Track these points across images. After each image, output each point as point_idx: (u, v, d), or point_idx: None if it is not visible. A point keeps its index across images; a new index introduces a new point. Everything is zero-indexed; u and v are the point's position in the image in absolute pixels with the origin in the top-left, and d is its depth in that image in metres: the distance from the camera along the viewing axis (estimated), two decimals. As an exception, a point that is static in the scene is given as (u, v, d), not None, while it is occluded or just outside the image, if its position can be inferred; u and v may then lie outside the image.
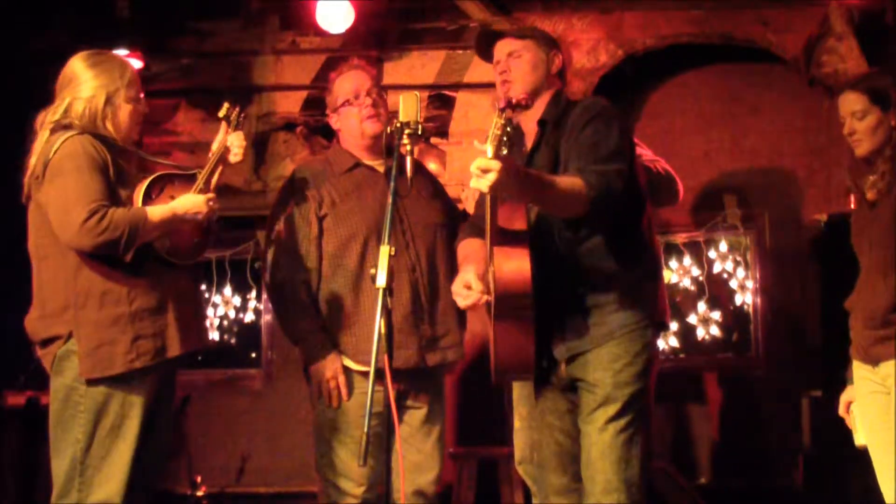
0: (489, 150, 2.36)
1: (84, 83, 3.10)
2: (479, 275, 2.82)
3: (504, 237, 2.73)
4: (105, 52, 3.22)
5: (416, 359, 3.32)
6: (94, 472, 3.03)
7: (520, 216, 2.77)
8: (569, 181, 2.69)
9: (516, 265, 2.70)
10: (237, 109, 3.27)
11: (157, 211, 3.03)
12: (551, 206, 2.80)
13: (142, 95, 3.19)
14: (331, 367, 3.33)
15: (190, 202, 3.08)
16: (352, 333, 3.35)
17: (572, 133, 2.87)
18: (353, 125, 3.45)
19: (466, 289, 2.79)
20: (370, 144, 3.45)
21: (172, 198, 3.11)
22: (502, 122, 2.37)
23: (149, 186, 3.10)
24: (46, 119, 3.10)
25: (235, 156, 3.24)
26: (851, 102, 3.02)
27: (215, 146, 3.24)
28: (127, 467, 3.03)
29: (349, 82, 3.47)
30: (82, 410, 3.03)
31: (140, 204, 3.06)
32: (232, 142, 3.22)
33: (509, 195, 2.67)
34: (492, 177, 2.38)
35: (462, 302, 2.82)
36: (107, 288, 3.03)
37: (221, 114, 3.26)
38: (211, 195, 3.13)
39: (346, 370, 3.34)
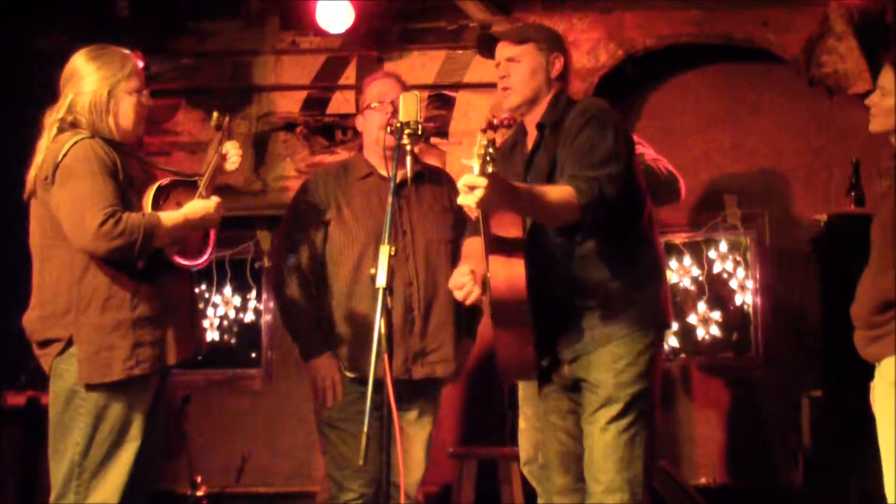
0: (475, 167, 2.39)
1: (86, 77, 3.07)
2: (477, 274, 2.83)
3: (499, 245, 2.75)
4: (106, 46, 3.18)
5: (400, 370, 3.33)
6: (92, 476, 3.01)
7: (515, 224, 2.79)
8: (559, 191, 2.71)
9: (511, 273, 2.73)
10: (227, 117, 3.27)
11: (170, 217, 3.02)
12: (542, 217, 2.82)
13: (144, 90, 3.16)
14: (325, 365, 3.37)
15: (201, 208, 3.08)
16: (344, 341, 3.40)
17: (568, 137, 2.88)
18: (372, 130, 3.52)
19: (458, 289, 2.83)
20: (385, 153, 3.47)
21: (179, 204, 3.10)
22: (485, 141, 2.40)
23: (156, 193, 3.09)
24: (52, 117, 3.07)
25: (233, 164, 3.25)
26: (883, 77, 3.02)
27: (212, 158, 3.22)
28: (126, 471, 3.03)
29: (378, 88, 3.54)
30: (83, 414, 3.01)
31: (150, 210, 3.04)
32: (228, 150, 3.23)
33: (499, 208, 2.69)
34: (479, 193, 2.41)
35: (459, 295, 2.84)
36: (111, 293, 3.01)
37: (214, 123, 3.25)
38: (218, 200, 3.14)
39: (341, 371, 3.40)
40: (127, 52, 3.19)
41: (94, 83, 3.06)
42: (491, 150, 2.39)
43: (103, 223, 2.88)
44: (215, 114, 3.27)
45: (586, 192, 2.70)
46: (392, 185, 2.73)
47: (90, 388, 2.99)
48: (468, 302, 2.86)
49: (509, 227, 2.77)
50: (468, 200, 2.44)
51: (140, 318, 3.02)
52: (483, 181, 2.39)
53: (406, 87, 3.57)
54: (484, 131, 2.49)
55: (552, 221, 2.84)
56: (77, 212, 2.93)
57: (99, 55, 3.11)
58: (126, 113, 3.10)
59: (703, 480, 5.44)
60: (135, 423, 3.04)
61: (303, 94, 5.67)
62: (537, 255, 2.83)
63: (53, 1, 5.35)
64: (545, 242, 2.90)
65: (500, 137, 3.10)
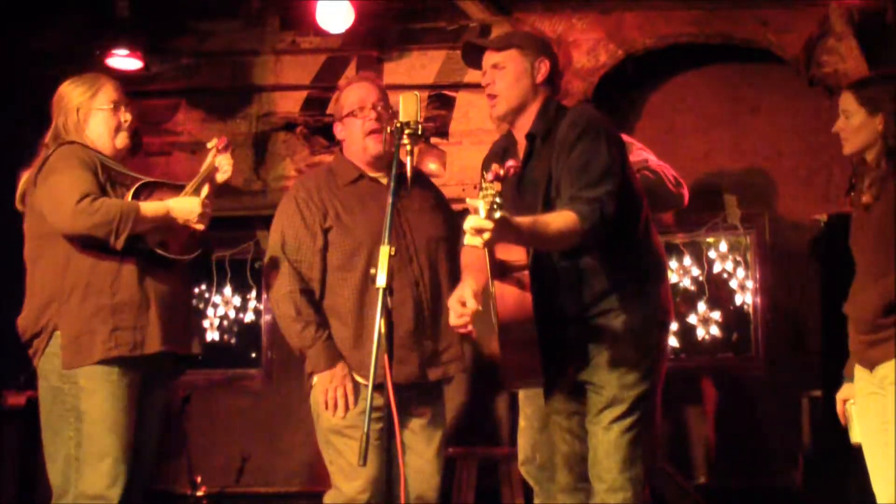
0: (482, 210, 2.41)
1: (63, 101, 3.28)
2: (477, 290, 2.80)
3: (504, 270, 2.77)
4: (87, 73, 3.39)
5: (417, 374, 3.31)
6: (86, 468, 3.07)
7: (519, 248, 2.80)
8: (562, 219, 2.70)
9: (517, 298, 2.76)
10: (225, 140, 3.37)
11: (150, 206, 3.12)
12: (547, 246, 2.84)
13: (119, 105, 3.29)
14: (337, 375, 3.32)
15: (185, 204, 3.16)
16: (357, 347, 3.32)
17: (562, 152, 2.87)
18: (356, 138, 3.45)
19: (461, 305, 2.77)
20: (372, 161, 3.44)
21: (162, 200, 3.18)
22: (492, 191, 2.42)
23: (137, 190, 3.19)
24: (44, 142, 3.27)
25: (225, 173, 3.31)
26: (843, 101, 3.07)
27: (203, 167, 3.29)
28: (116, 461, 3.07)
29: (356, 93, 3.45)
30: (69, 409, 3.09)
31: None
32: (221, 162, 3.31)
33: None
34: (486, 236, 2.43)
35: (455, 320, 2.78)
36: (91, 280, 3.11)
37: (210, 145, 3.35)
38: (205, 200, 3.19)
39: (353, 381, 3.34)
40: (103, 75, 3.38)
41: (68, 104, 3.27)
42: (498, 199, 2.41)
43: (80, 200, 3.01)
44: (215, 138, 3.37)
45: (588, 215, 2.71)
46: (393, 185, 2.72)
47: (72, 375, 3.07)
48: (461, 332, 2.82)
49: (514, 251, 2.79)
50: (474, 242, 2.45)
51: (120, 304, 3.11)
52: (489, 224, 2.41)
53: (381, 86, 3.52)
54: (492, 182, 2.49)
55: (557, 248, 2.86)
56: (57, 196, 3.07)
57: (73, 81, 3.33)
58: (96, 127, 3.27)
59: (702, 480, 5.45)
60: (120, 410, 3.09)
61: (303, 94, 5.67)
62: (541, 272, 2.85)
63: (53, 1, 5.35)
64: (548, 259, 2.92)
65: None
